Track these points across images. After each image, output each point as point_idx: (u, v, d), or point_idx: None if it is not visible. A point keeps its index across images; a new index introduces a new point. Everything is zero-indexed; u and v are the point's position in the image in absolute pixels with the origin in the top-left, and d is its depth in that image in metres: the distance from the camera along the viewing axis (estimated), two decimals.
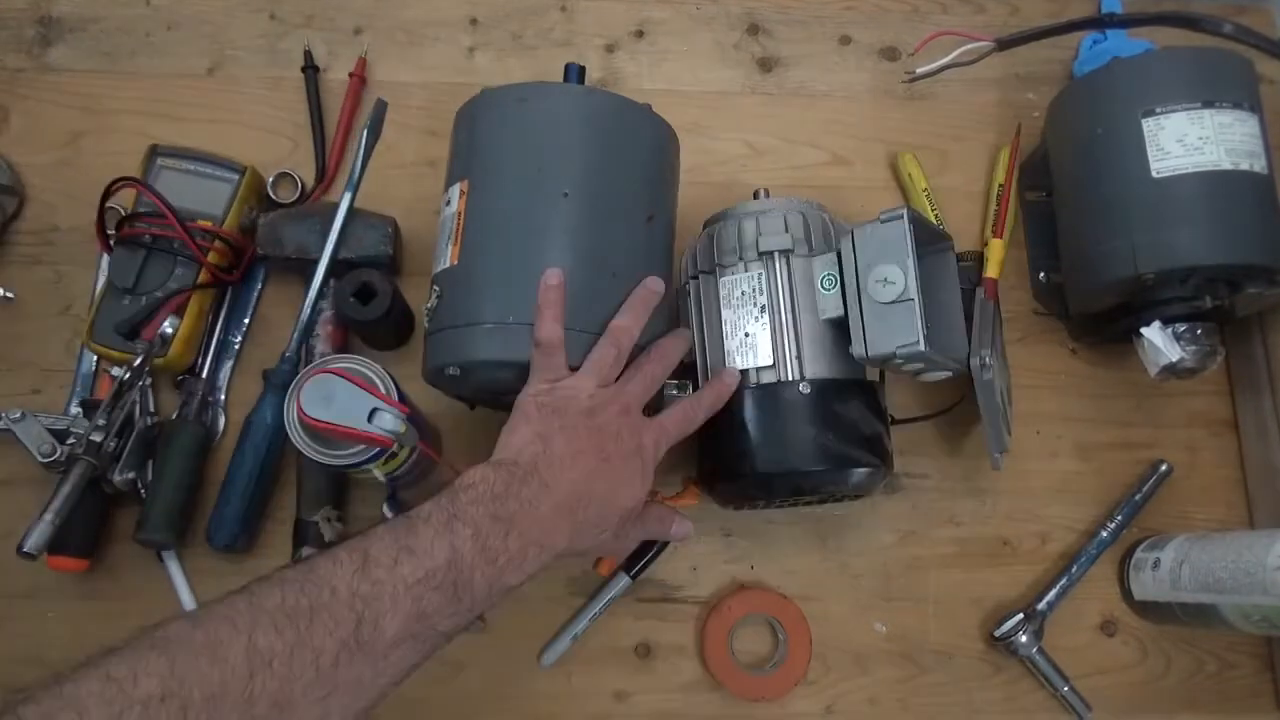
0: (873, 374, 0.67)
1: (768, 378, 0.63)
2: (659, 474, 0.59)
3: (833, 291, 0.63)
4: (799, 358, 0.63)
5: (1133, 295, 0.70)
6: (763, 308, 0.64)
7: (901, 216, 0.60)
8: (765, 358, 0.63)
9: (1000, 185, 0.79)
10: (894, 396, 0.71)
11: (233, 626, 0.42)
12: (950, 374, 0.64)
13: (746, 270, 0.65)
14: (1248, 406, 0.77)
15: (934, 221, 0.76)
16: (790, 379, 0.62)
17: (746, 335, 0.64)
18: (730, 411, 0.63)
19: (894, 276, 0.59)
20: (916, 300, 0.59)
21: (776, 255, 0.64)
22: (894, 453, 0.66)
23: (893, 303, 0.59)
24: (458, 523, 0.49)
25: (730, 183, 0.80)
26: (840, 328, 0.63)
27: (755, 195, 0.69)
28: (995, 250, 0.77)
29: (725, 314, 0.65)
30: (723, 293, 0.65)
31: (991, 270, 0.76)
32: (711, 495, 0.68)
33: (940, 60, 0.79)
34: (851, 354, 0.61)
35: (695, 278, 0.67)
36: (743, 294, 0.64)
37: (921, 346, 0.58)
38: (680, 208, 0.68)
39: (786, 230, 0.64)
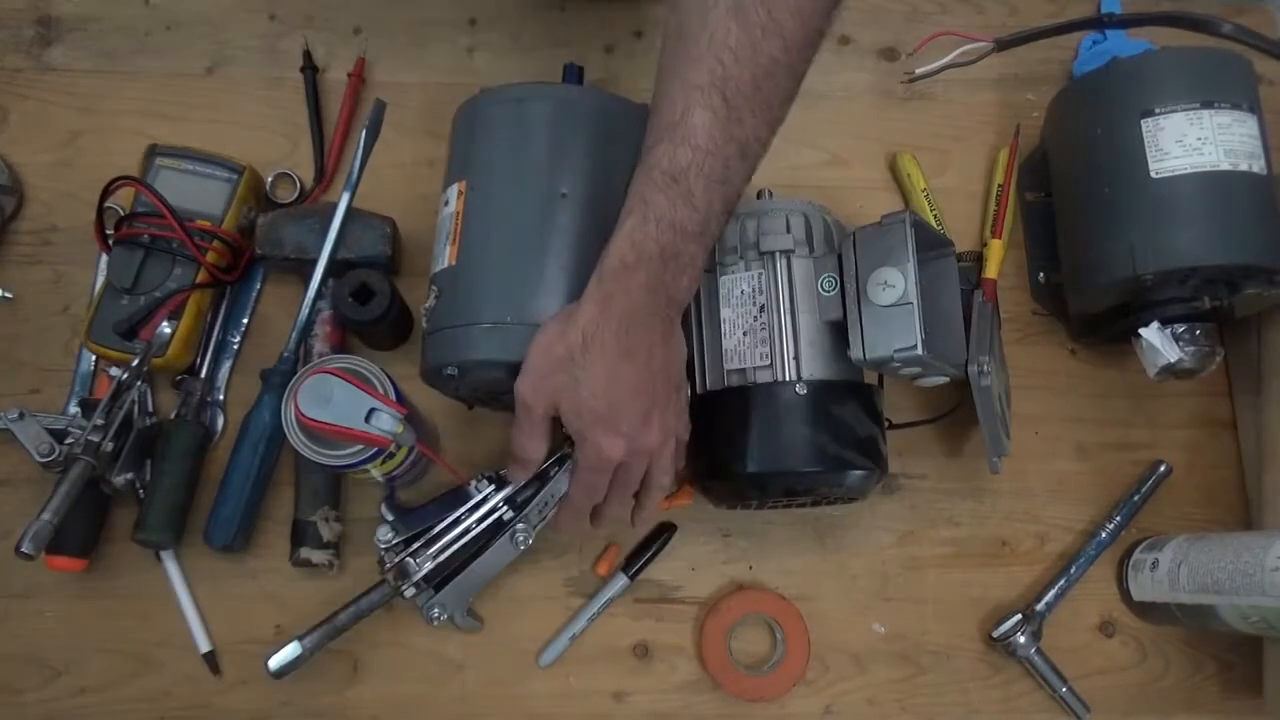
0: (870, 377, 0.66)
1: (764, 377, 0.63)
2: None
3: (833, 293, 0.63)
4: (796, 358, 0.63)
5: (1132, 295, 0.70)
6: (762, 307, 0.64)
7: (903, 220, 0.60)
8: (763, 357, 0.63)
9: (999, 186, 0.79)
10: (893, 399, 0.71)
11: None
12: (947, 379, 0.64)
13: (747, 270, 0.65)
14: (1246, 407, 0.77)
15: (934, 223, 0.76)
16: (787, 379, 0.62)
17: (745, 334, 0.64)
18: (726, 411, 0.63)
19: (894, 280, 0.59)
20: (916, 304, 0.58)
21: (777, 255, 0.64)
22: (889, 456, 0.65)
23: (892, 306, 0.59)
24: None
25: None
26: (839, 330, 0.63)
27: (758, 195, 0.69)
28: (994, 251, 0.77)
29: (724, 313, 0.65)
30: (722, 291, 0.65)
31: (990, 271, 0.76)
32: (706, 494, 0.68)
33: (940, 61, 0.79)
34: (849, 356, 0.61)
35: None
36: (742, 293, 0.64)
37: (919, 351, 0.58)
38: None
39: (788, 231, 0.64)
